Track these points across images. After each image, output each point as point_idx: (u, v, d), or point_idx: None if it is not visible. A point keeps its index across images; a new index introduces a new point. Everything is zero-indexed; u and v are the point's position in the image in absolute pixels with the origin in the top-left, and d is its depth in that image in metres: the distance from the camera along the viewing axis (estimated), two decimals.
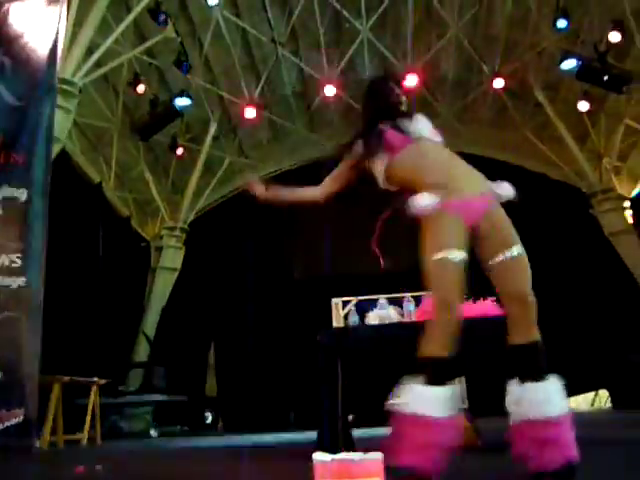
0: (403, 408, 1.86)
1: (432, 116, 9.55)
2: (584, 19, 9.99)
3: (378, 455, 1.34)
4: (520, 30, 10.54)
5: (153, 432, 8.80)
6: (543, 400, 1.91)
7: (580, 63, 9.42)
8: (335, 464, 1.33)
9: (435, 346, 1.95)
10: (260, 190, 2.68)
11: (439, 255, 1.97)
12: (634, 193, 11.10)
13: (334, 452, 1.42)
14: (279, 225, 11.89)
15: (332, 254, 11.47)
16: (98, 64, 9.07)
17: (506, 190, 2.18)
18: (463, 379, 8.17)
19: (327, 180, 2.69)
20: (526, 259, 2.07)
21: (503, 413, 3.69)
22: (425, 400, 1.87)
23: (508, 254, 2.04)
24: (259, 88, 10.94)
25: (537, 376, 1.94)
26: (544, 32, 10.15)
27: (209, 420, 10.94)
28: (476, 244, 2.10)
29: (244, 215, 12.01)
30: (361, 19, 10.24)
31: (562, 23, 9.23)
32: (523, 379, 1.96)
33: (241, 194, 12.51)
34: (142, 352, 11.05)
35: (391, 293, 5.10)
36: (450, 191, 2.07)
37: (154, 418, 9.08)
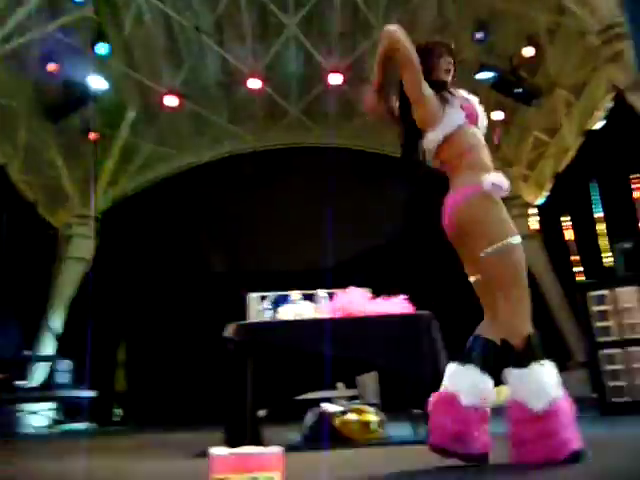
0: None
1: (356, 116, 9.71)
2: (501, 33, 10.45)
3: (278, 449, 1.33)
4: (441, 38, 10.86)
5: (54, 429, 8.40)
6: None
7: (496, 75, 9.85)
8: (232, 458, 1.31)
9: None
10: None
11: (516, 239, 2.16)
12: (539, 201, 11.72)
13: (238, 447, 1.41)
14: (198, 217, 11.68)
15: (251, 249, 11.39)
16: (6, 39, 8.52)
17: None
18: (376, 376, 8.34)
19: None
20: None
21: (412, 407, 3.78)
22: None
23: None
24: (181, 76, 10.68)
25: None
26: (463, 43, 10.52)
27: (118, 416, 10.59)
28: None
29: (162, 206, 11.70)
30: (288, 14, 10.21)
31: (480, 35, 9.62)
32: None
33: (160, 184, 12.20)
34: (48, 345, 10.51)
35: (307, 289, 5.13)
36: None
37: (59, 414, 8.66)
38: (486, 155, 2.33)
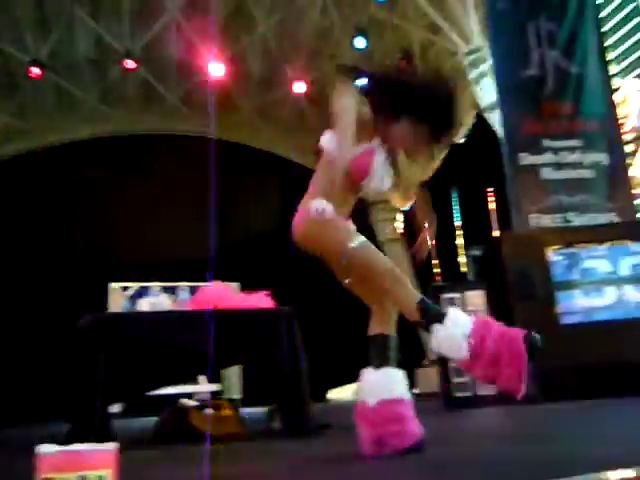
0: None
1: (233, 109, 9.58)
2: (380, 43, 10.88)
3: (111, 446, 1.26)
4: (324, 42, 11.10)
5: None
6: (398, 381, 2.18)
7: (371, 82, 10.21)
8: (60, 456, 1.23)
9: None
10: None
11: (360, 238, 2.15)
12: (406, 207, 12.37)
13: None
14: (61, 199, 10.93)
15: (117, 236, 10.87)
16: None
17: None
18: (240, 370, 8.29)
19: None
20: None
21: (270, 402, 3.80)
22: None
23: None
24: (48, 47, 9.93)
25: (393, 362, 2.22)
26: (344, 47, 10.82)
27: None
28: None
29: (18, 185, 10.79)
30: None
31: (360, 42, 9.94)
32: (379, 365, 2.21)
33: (19, 159, 11.23)
34: None
35: (170, 281, 5.01)
36: None
37: None
38: (337, 202, 2.25)
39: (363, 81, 2.36)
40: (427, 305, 2.03)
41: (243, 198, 11.34)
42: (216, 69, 10.25)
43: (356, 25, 9.97)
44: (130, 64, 9.95)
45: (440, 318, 1.98)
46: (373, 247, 2.16)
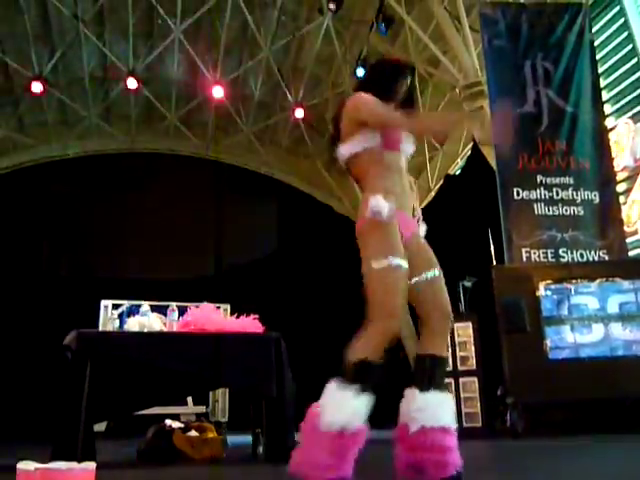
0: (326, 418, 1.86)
1: (233, 132, 9.68)
2: None
3: (91, 465, 1.28)
4: (325, 69, 11.27)
5: None
6: (445, 409, 2.01)
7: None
8: (39, 473, 1.24)
9: (369, 351, 1.97)
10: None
11: (389, 261, 2.02)
12: None
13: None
14: (50, 215, 10.92)
15: (109, 254, 10.86)
16: None
17: (422, 230, 2.35)
18: (227, 393, 8.23)
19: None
20: (443, 281, 2.19)
21: (255, 427, 3.78)
22: (349, 409, 1.89)
23: (430, 274, 2.16)
24: (51, 63, 10.04)
25: (442, 386, 2.06)
26: (345, 76, 10.98)
27: None
28: None
29: (13, 197, 10.81)
30: (175, 19, 10.01)
31: (361, 72, 10.08)
32: (426, 388, 2.04)
33: (15, 173, 11.25)
34: None
35: (164, 300, 4.98)
36: (398, 203, 2.16)
37: None
38: (396, 180, 2.25)
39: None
40: (360, 368, 1.94)
41: (239, 220, 11.37)
42: (217, 91, 10.37)
43: (358, 55, 10.12)
44: (132, 83, 10.05)
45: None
46: (392, 278, 2.03)
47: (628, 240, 6.79)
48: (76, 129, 11.65)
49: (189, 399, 7.45)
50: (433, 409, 2.01)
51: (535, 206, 6.31)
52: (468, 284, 5.84)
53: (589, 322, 5.15)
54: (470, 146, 10.41)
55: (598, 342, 5.09)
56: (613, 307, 5.15)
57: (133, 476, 2.92)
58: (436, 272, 2.20)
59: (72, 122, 11.63)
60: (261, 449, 3.48)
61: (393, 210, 2.11)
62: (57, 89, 10.67)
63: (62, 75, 10.68)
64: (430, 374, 2.09)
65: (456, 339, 5.20)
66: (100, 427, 7.06)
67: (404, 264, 2.06)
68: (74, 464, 1.25)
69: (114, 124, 11.91)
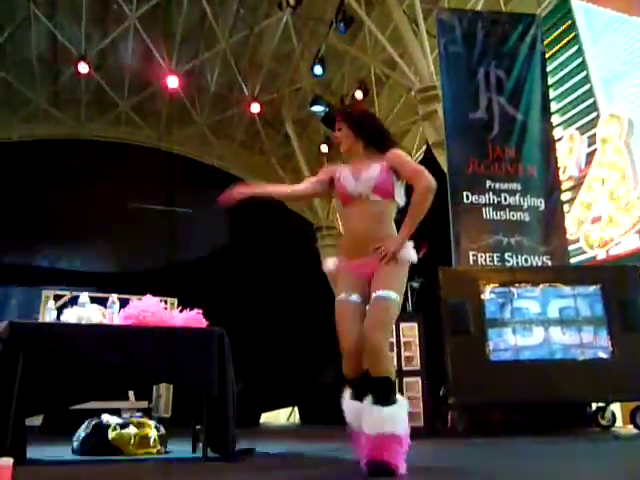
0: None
1: (187, 123, 9.51)
2: (337, 72, 11.07)
3: (7, 461, 1.21)
4: (283, 65, 11.21)
5: None
6: (385, 420, 2.25)
7: (326, 110, 10.36)
8: None
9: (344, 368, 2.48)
10: (245, 190, 2.72)
11: (337, 297, 2.50)
12: None
13: None
14: None
15: (48, 242, 10.51)
16: None
17: (408, 254, 2.48)
18: (170, 388, 8.09)
19: (310, 181, 2.79)
20: (383, 304, 2.36)
21: (197, 423, 3.71)
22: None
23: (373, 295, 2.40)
24: None
25: (383, 402, 2.27)
26: (303, 73, 10.95)
27: None
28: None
29: None
30: (131, 5, 9.76)
31: (318, 70, 10.08)
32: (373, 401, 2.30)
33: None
34: None
35: (108, 291, 4.84)
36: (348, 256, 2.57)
37: None
38: (352, 236, 2.57)
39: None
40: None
41: (189, 214, 11.20)
42: (171, 81, 10.17)
43: (316, 53, 10.10)
44: (83, 68, 9.73)
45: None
46: (337, 310, 2.48)
47: (570, 247, 7.02)
48: (22, 112, 11.22)
49: (131, 394, 7.28)
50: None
51: (484, 210, 6.43)
52: (416, 285, 5.90)
53: (530, 325, 5.28)
54: (423, 149, 10.56)
55: (538, 345, 5.22)
56: (553, 312, 5.30)
57: (64, 472, 2.81)
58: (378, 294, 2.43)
59: (17, 105, 11.19)
60: (201, 446, 3.41)
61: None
62: (3, 69, 10.24)
63: (9, 55, 10.25)
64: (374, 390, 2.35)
65: (401, 339, 5.25)
66: (36, 421, 6.83)
67: (349, 297, 2.46)
68: None
69: (63, 109, 11.52)
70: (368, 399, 2.30)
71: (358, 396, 2.44)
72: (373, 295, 2.37)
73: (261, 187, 2.82)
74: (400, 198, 2.56)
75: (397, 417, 2.26)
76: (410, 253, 2.47)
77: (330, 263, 2.63)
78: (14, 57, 10.34)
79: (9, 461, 1.20)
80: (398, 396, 2.35)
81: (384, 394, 2.28)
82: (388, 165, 2.53)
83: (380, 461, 2.17)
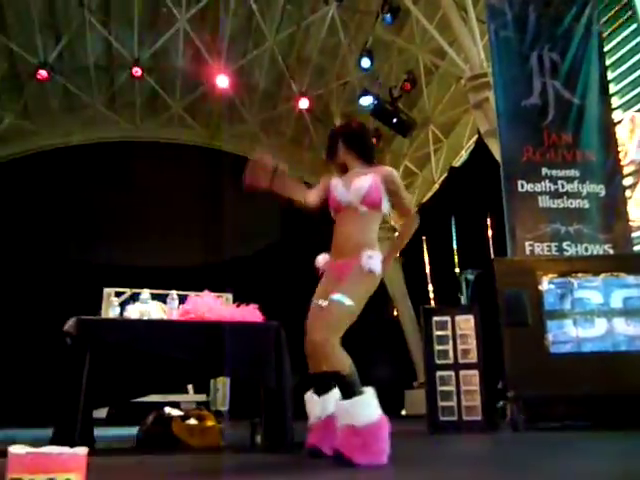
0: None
1: (238, 121, 9.66)
2: (385, 64, 10.98)
3: (82, 450, 1.27)
4: (330, 59, 11.21)
5: None
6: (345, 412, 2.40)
7: (376, 102, 10.30)
8: (30, 458, 1.23)
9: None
10: (268, 162, 2.77)
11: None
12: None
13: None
14: (57, 200, 10.94)
15: (116, 241, 10.87)
16: None
17: (374, 264, 2.60)
18: (227, 382, 8.25)
19: (313, 191, 2.97)
20: (332, 307, 2.49)
21: (254, 416, 3.78)
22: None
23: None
24: (57, 50, 10.02)
25: (343, 396, 2.46)
26: (350, 66, 10.92)
27: None
28: None
29: (20, 184, 10.83)
30: (180, 8, 9.97)
31: (366, 63, 10.02)
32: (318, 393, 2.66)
33: (20, 160, 11.26)
34: None
35: (163, 289, 4.98)
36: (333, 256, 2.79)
37: None
38: (337, 239, 2.79)
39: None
40: None
41: (242, 210, 11.36)
42: (221, 80, 10.33)
43: (363, 45, 10.05)
44: (137, 71, 10.02)
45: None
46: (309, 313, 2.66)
47: (633, 235, 6.74)
48: (81, 117, 11.65)
49: (190, 387, 7.49)
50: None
51: (539, 199, 6.25)
52: (471, 276, 5.81)
53: (592, 317, 5.11)
54: (475, 139, 10.35)
55: (601, 337, 5.05)
56: (617, 302, 5.10)
57: (129, 462, 2.93)
58: (321, 302, 2.61)
59: (76, 110, 11.62)
60: (259, 438, 3.48)
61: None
62: (62, 77, 10.65)
63: (67, 63, 10.66)
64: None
65: (457, 332, 5.17)
66: (101, 414, 7.11)
67: (318, 302, 2.64)
68: (65, 449, 1.24)
69: (118, 112, 11.89)
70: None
71: (317, 391, 2.68)
72: (329, 297, 2.51)
73: (281, 177, 2.80)
74: (386, 209, 2.77)
75: (354, 410, 2.37)
76: (376, 264, 2.57)
77: (321, 260, 2.87)
78: (72, 64, 10.74)
79: (85, 450, 1.26)
80: (364, 389, 2.46)
81: (340, 389, 2.47)
82: (380, 179, 2.71)
83: (337, 451, 2.34)
